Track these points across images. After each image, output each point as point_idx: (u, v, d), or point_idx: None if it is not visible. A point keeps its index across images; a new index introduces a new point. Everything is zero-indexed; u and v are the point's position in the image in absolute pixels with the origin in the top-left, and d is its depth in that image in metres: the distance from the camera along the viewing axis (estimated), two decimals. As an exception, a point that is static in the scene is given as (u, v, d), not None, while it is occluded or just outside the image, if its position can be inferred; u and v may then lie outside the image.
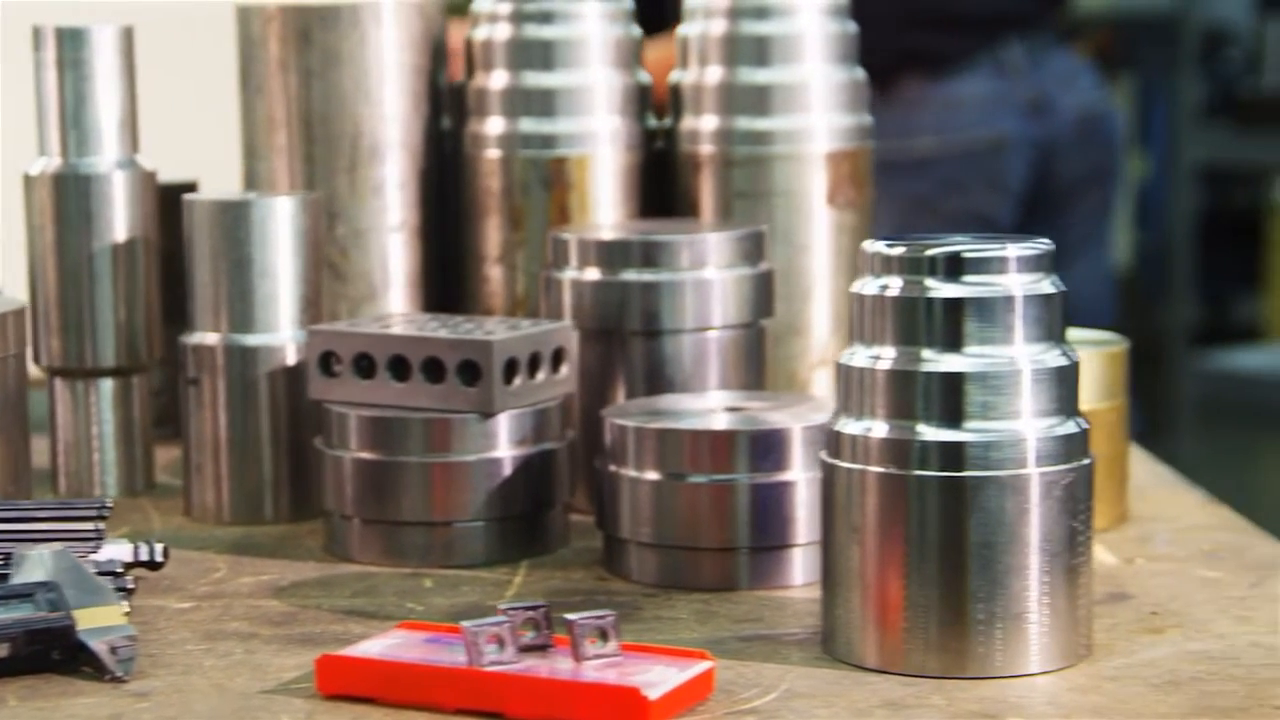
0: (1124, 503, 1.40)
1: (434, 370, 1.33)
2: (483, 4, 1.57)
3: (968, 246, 1.10)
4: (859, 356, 1.12)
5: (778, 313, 1.51)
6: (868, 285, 1.12)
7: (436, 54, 1.59)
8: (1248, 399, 5.77)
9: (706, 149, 1.56)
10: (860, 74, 1.59)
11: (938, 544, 1.09)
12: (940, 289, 1.10)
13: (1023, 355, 1.10)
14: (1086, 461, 1.12)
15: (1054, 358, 1.11)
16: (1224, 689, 1.05)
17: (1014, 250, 1.10)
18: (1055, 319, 1.11)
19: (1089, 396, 1.38)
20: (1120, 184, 3.82)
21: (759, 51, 1.55)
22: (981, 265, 1.10)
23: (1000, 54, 3.58)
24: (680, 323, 1.42)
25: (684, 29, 1.58)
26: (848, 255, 1.57)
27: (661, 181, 1.59)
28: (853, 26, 1.59)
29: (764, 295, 1.45)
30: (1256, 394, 5.74)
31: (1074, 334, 1.48)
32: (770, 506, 1.26)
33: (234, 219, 1.42)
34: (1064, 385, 1.11)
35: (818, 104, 1.56)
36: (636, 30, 1.59)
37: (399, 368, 1.34)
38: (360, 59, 1.55)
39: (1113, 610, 1.19)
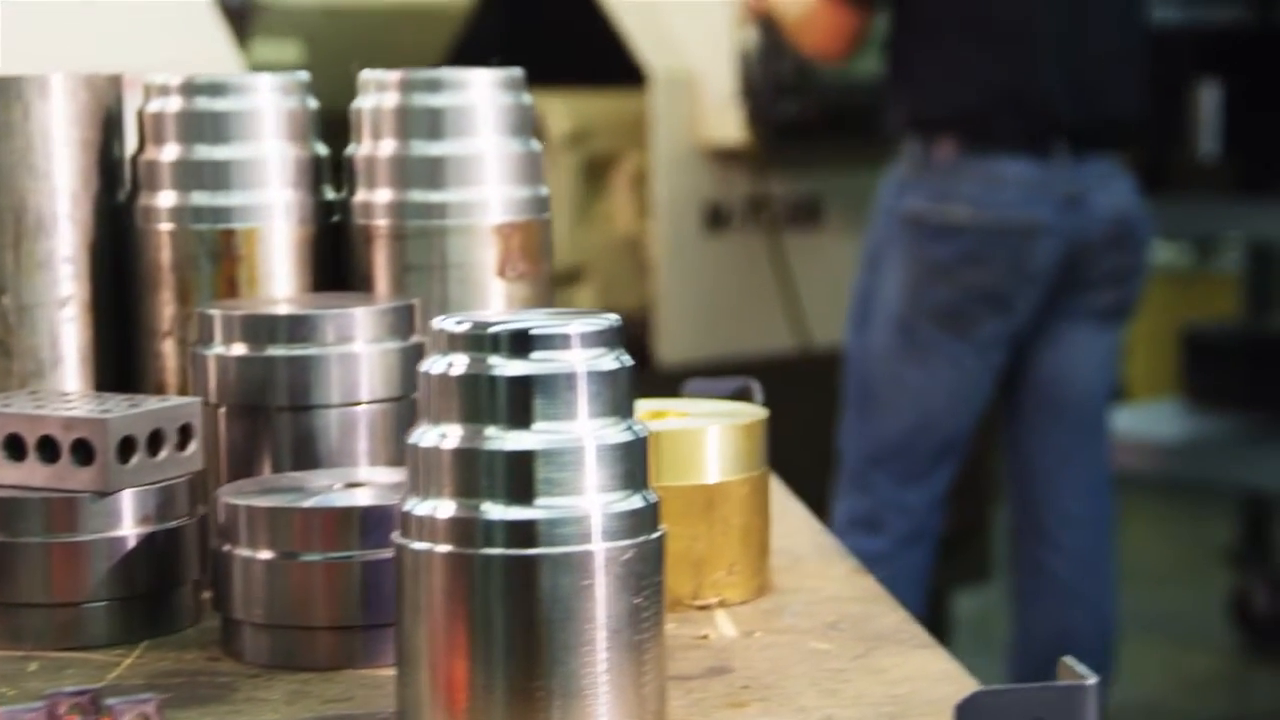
0: (764, 574, 1.40)
1: (50, 449, 1.31)
2: (154, 77, 1.56)
3: (532, 323, 1.10)
4: (427, 436, 1.11)
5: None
6: (435, 363, 1.11)
7: (109, 126, 1.58)
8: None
9: (380, 222, 1.55)
10: (535, 145, 1.59)
11: (502, 622, 1.08)
12: (504, 366, 1.09)
13: (588, 431, 1.09)
14: (654, 536, 1.11)
15: (619, 433, 1.10)
16: (775, 766, 1.04)
17: (578, 326, 1.10)
18: (621, 394, 1.11)
19: (725, 469, 1.38)
20: (1142, 285, 3.89)
21: (432, 124, 1.55)
22: (545, 342, 1.10)
23: (1048, 144, 3.64)
24: (326, 398, 1.41)
25: (358, 103, 1.57)
26: (524, 327, 1.56)
27: (338, 254, 1.58)
28: (528, 99, 1.59)
29: (414, 369, 1.44)
30: (1118, 455, 5.75)
31: (711, 406, 1.48)
32: (382, 584, 1.25)
33: None
34: (630, 460, 1.11)
35: (491, 176, 1.56)
36: (312, 102, 1.58)
37: (15, 447, 1.32)
38: (25, 132, 1.54)
39: (708, 684, 1.19)
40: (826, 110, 4.48)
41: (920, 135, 3.77)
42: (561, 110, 4.52)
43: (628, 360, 1.12)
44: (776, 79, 4.39)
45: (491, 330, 1.09)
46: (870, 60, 4.31)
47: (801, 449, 4.54)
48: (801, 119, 4.46)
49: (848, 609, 1.35)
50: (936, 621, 4.70)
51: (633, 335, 4.97)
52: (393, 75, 1.55)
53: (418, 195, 1.55)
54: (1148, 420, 5.49)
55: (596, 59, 4.61)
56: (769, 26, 4.33)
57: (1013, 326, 3.80)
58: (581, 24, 4.58)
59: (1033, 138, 3.72)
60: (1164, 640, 5.52)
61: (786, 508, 1.59)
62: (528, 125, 1.59)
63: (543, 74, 5.31)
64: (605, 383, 1.10)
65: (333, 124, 1.63)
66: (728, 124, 4.48)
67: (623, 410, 1.11)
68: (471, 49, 4.67)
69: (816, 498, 4.22)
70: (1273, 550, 5.51)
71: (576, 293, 4.65)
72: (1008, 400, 3.98)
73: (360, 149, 1.56)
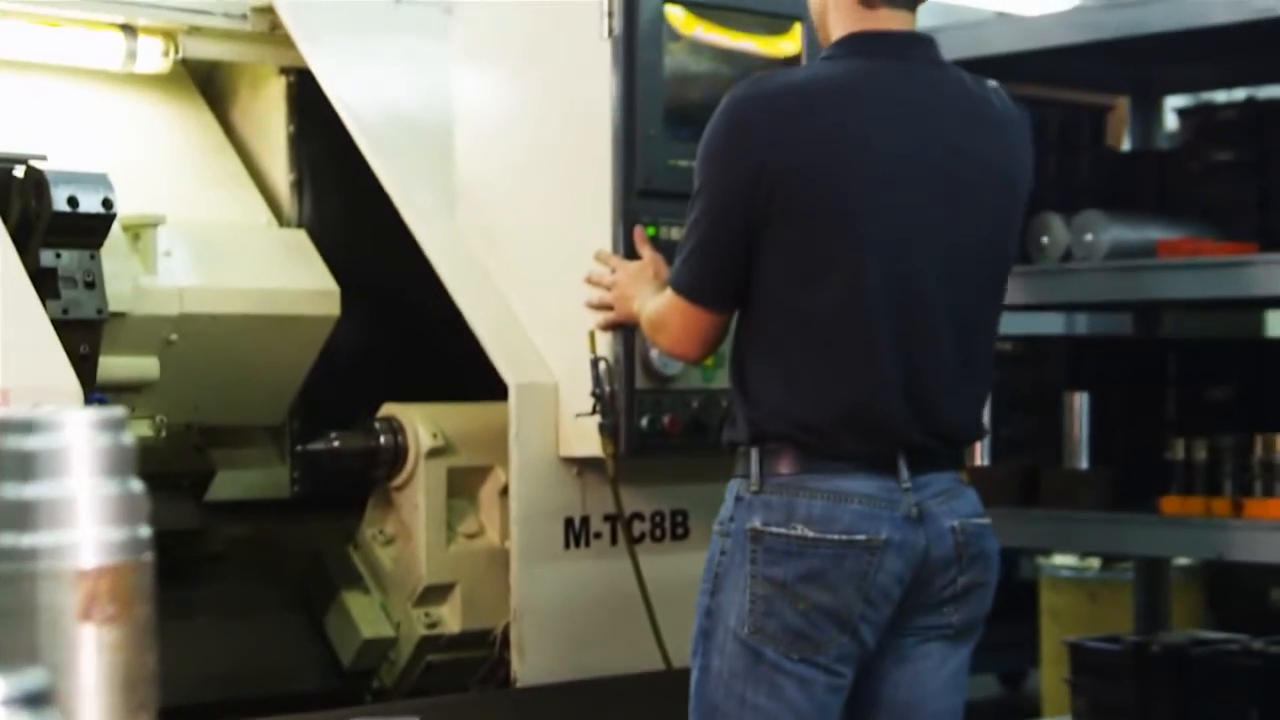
0: None
1: None
2: None
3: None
4: None
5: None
6: None
7: None
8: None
9: (-33, 565, 1.51)
10: (136, 486, 1.56)
11: None
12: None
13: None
14: None
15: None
16: None
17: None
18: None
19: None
20: (991, 601, 3.82)
21: (22, 467, 1.51)
22: (-47, 711, 1.05)
23: (890, 461, 3.60)
24: None
25: (-48, 443, 1.54)
26: (115, 673, 1.51)
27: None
28: (128, 439, 1.56)
29: (-43, 723, 1.39)
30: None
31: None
32: None
33: None
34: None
35: (83, 518, 1.52)
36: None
37: None
38: None
39: None
40: (687, 422, 4.46)
41: (760, 450, 3.73)
42: (426, 424, 4.51)
43: (44, 730, 1.07)
44: (634, 391, 4.37)
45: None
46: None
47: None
48: (660, 431, 4.43)
49: None
50: None
51: (496, 654, 4.82)
52: (-12, 416, 1.53)
53: (7, 539, 1.51)
54: (1040, 738, 5.39)
55: (460, 373, 4.60)
56: (627, 333, 4.32)
57: (859, 646, 3.73)
58: (445, 338, 4.58)
59: (874, 455, 3.68)
60: None
61: None
62: (127, 465, 1.56)
63: (407, 388, 5.30)
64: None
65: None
66: (588, 437, 4.45)
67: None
68: (336, 362, 4.67)
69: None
70: None
71: (442, 610, 4.59)
72: (853, 720, 3.89)
73: (-48, 490, 1.53)
